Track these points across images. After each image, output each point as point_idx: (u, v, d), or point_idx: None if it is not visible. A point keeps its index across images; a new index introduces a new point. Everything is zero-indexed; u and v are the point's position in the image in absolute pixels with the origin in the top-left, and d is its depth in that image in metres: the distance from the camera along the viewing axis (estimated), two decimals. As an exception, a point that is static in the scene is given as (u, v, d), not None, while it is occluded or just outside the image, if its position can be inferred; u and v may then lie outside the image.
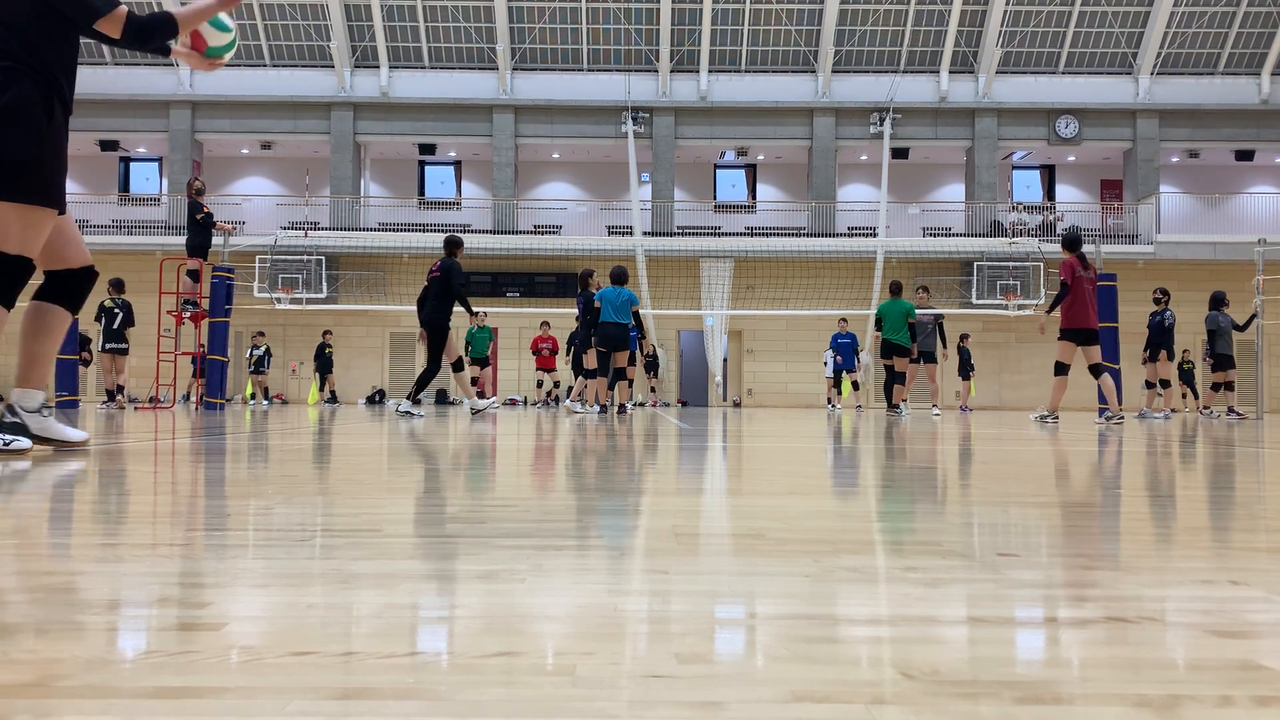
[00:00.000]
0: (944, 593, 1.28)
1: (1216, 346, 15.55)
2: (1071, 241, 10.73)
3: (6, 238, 3.57)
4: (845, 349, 20.44)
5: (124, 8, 3.78)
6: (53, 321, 3.89)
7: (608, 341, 12.44)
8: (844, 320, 21.27)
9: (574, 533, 1.80)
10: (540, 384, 21.00)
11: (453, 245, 10.50)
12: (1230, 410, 15.71)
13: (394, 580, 1.32)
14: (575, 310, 17.13)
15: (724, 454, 4.41)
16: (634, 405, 17.72)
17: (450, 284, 10.25)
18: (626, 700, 0.83)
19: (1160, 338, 15.24)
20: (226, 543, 1.65)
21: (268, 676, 0.88)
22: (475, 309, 11.92)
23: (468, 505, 2.24)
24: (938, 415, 10.51)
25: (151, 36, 3.84)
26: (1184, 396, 20.45)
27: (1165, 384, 15.34)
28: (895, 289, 14.12)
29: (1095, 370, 10.68)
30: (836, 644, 1.02)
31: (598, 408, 12.21)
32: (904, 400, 13.34)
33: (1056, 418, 10.78)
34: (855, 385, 20.27)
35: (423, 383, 10.32)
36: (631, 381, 19.84)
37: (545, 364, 20.39)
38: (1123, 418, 10.40)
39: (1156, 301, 15.50)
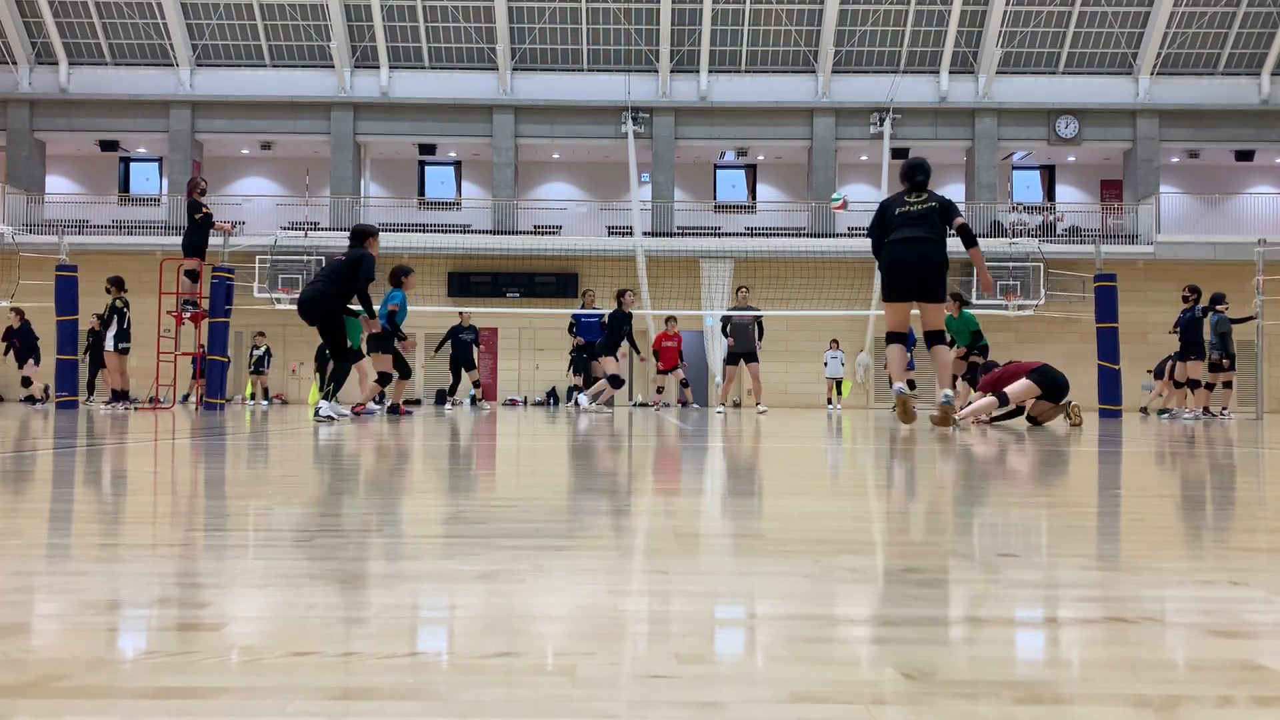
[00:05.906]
0: (944, 593, 1.28)
1: (1229, 347, 15.25)
2: None
3: None
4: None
5: None
6: None
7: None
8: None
9: (574, 533, 1.80)
10: (661, 389, 17.50)
11: (364, 235, 9.35)
12: (1222, 410, 15.52)
13: (394, 580, 1.32)
14: (573, 310, 17.11)
15: (723, 455, 4.41)
16: (637, 405, 17.71)
17: (357, 275, 9.03)
18: (627, 700, 0.82)
19: (1192, 336, 14.69)
20: (226, 543, 1.65)
21: (268, 677, 0.88)
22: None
23: (468, 505, 2.24)
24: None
25: None
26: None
27: (1195, 385, 14.87)
28: None
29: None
30: (836, 644, 1.02)
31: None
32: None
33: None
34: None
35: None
36: (599, 378, 19.51)
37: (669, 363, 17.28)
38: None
39: (1185, 300, 14.95)
